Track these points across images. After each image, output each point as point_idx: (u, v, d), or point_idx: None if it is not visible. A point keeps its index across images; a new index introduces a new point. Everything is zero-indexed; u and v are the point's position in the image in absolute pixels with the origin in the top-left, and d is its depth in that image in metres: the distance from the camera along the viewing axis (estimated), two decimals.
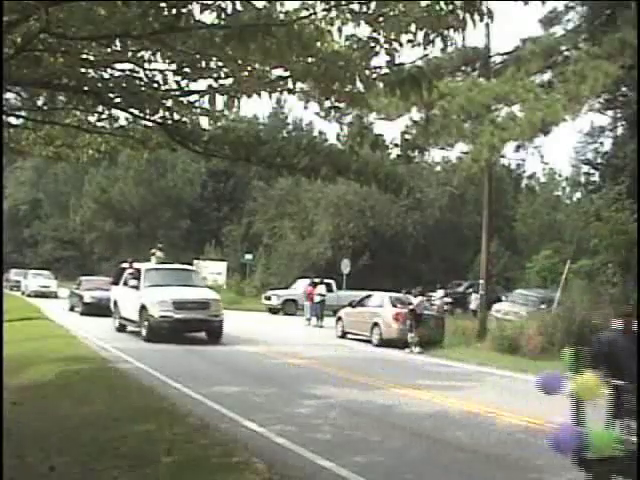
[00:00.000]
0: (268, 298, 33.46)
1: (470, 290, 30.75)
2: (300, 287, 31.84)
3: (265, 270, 42.30)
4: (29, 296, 37.07)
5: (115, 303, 20.86)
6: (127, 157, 12.56)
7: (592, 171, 23.06)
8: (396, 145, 7.73)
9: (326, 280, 30.72)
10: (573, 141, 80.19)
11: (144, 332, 17.83)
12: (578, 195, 44.25)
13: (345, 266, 32.96)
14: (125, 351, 15.19)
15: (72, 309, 28.24)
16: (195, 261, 45.29)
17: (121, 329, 20.09)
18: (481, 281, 21.97)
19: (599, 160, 21.69)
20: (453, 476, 6.67)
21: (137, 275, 19.42)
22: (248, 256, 43.10)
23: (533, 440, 8.07)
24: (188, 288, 18.70)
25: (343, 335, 21.84)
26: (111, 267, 52.68)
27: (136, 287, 18.71)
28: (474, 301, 29.25)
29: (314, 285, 28.50)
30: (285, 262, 41.51)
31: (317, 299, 27.56)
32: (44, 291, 38.81)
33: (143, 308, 17.94)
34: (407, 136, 7.93)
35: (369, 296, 22.04)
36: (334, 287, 32.12)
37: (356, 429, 8.42)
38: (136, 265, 20.76)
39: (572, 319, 16.76)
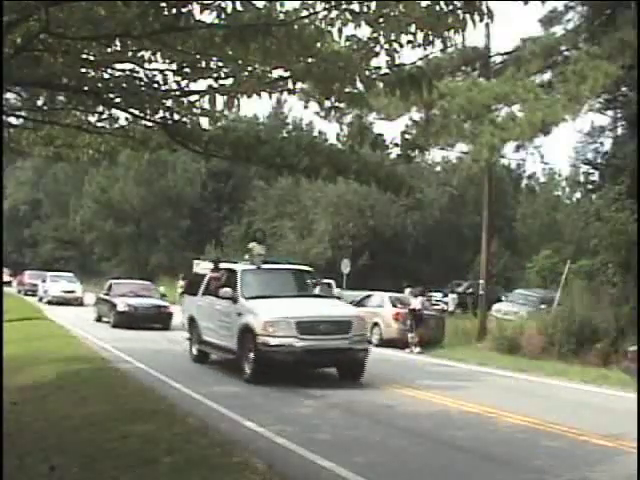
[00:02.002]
0: None
1: (470, 290, 30.75)
2: None
3: None
4: (49, 303, 31.49)
5: (192, 322, 14.37)
6: (127, 157, 12.31)
7: (592, 171, 23.02)
8: (396, 145, 7.72)
9: (326, 280, 30.68)
10: (573, 141, 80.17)
11: (248, 368, 11.62)
12: (578, 195, 44.17)
13: (345, 266, 32.95)
14: (125, 351, 15.18)
15: (100, 319, 23.64)
16: (195, 261, 45.34)
17: (201, 359, 13.97)
18: (481, 281, 21.97)
19: (599, 160, 21.66)
20: (453, 476, 6.67)
21: (229, 280, 13.07)
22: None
23: (533, 440, 8.07)
24: (312, 300, 12.62)
25: None
26: (111, 267, 53.12)
27: (231, 299, 12.32)
28: (451, 302, 29.13)
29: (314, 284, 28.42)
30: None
31: None
32: (68, 297, 32.52)
33: (246, 331, 11.73)
34: (407, 136, 7.91)
35: (369, 296, 22.05)
36: (334, 287, 32.09)
37: (356, 429, 8.42)
38: (226, 265, 14.13)
39: (572, 319, 16.76)
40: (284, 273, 13.73)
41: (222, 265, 14.21)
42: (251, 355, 11.51)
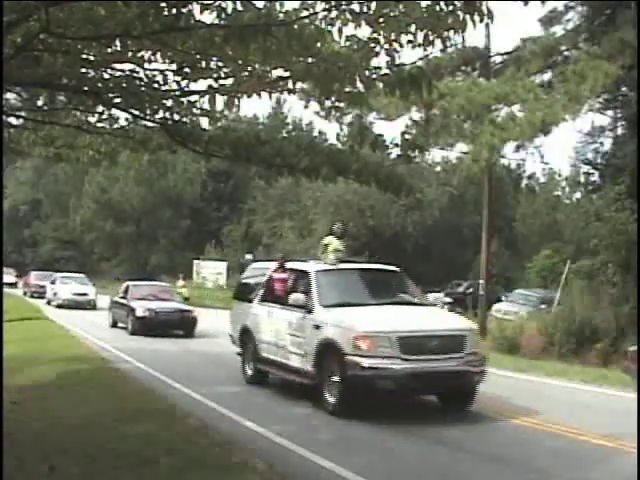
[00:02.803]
0: None
1: (470, 290, 30.77)
2: None
3: None
4: (60, 307, 29.50)
5: (245, 334, 11.68)
6: (127, 157, 12.08)
7: (592, 171, 23.04)
8: (396, 145, 7.74)
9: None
10: (573, 141, 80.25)
11: (331, 396, 9.06)
12: (578, 195, 44.27)
13: None
14: (125, 351, 15.18)
15: (115, 324, 21.59)
16: (195, 261, 45.41)
17: (258, 380, 11.34)
18: (481, 281, 21.97)
19: (599, 160, 21.67)
20: (452, 476, 6.66)
21: (298, 283, 10.56)
22: (248, 256, 43.02)
23: (533, 440, 8.07)
24: (410, 308, 10.03)
25: None
26: (111, 267, 53.20)
27: (305, 307, 9.82)
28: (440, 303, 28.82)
29: None
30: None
31: None
32: (80, 300, 30.09)
33: (328, 349, 9.18)
34: (407, 136, 7.93)
35: None
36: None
37: (356, 429, 8.41)
38: (293, 265, 11.27)
39: (572, 319, 16.76)
40: (368, 274, 11.03)
41: (289, 264, 11.35)
42: (335, 380, 8.94)
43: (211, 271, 43.81)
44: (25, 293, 38.66)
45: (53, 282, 32.57)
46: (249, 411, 9.02)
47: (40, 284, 36.16)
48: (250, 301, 11.79)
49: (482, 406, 9.68)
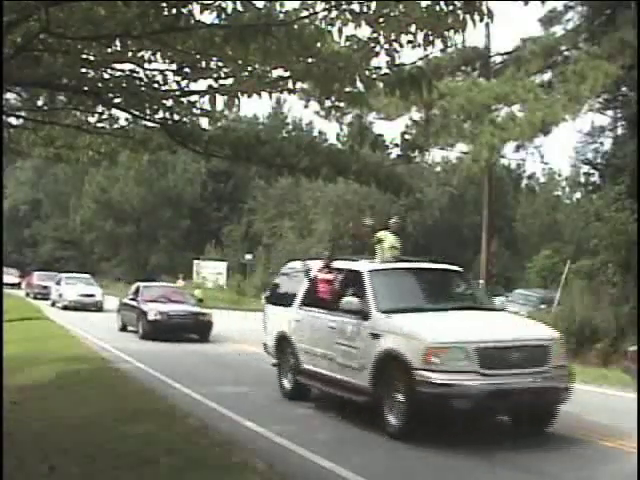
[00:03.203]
0: None
1: None
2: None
3: (265, 270, 42.33)
4: (65, 308, 28.70)
5: (283, 343, 10.32)
6: (127, 157, 11.92)
7: (592, 171, 23.03)
8: (396, 145, 7.75)
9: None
10: (573, 141, 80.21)
11: (395, 417, 7.77)
12: (578, 195, 44.19)
13: None
14: (125, 351, 15.18)
15: (125, 328, 20.49)
16: (195, 261, 45.42)
17: (298, 394, 10.00)
18: (481, 281, 21.97)
19: (599, 160, 21.67)
20: (452, 476, 6.66)
21: (348, 284, 9.20)
22: (248, 256, 43.12)
23: (533, 440, 8.06)
24: (482, 314, 8.78)
25: None
26: (111, 267, 53.22)
27: (360, 313, 8.47)
28: None
29: None
30: (285, 262, 41.52)
31: None
32: (86, 302, 29.19)
33: (391, 362, 7.88)
34: (407, 136, 7.93)
35: None
36: None
37: (356, 429, 8.41)
38: (341, 264, 9.87)
39: (572, 319, 16.75)
40: (428, 275, 9.70)
41: (336, 263, 9.93)
42: (399, 398, 7.68)
43: (211, 271, 43.83)
44: (28, 294, 37.92)
45: (58, 283, 31.69)
46: (249, 411, 9.02)
47: (43, 285, 35.36)
48: (288, 305, 10.35)
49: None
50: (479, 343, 7.47)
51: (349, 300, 8.68)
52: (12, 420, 6.91)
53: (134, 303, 19.93)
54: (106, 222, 51.49)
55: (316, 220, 41.46)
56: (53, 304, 30.49)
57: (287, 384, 10.26)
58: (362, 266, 9.27)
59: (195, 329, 18.92)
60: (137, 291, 20.67)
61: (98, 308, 29.09)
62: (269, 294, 12.11)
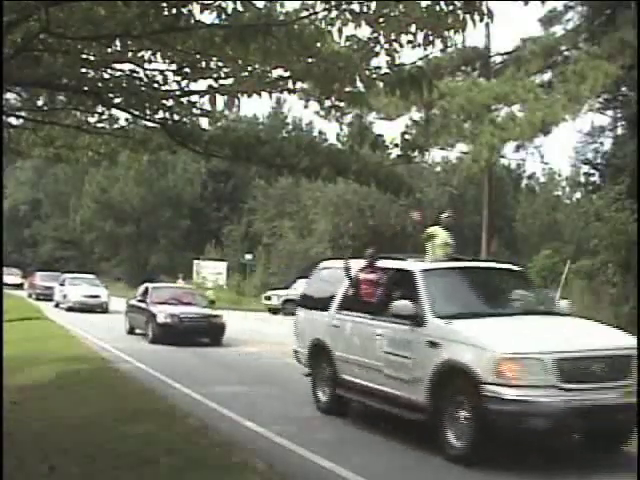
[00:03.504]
0: (268, 298, 33.50)
1: None
2: (300, 287, 31.85)
3: (265, 270, 42.36)
4: (70, 310, 27.96)
5: (319, 351, 9.33)
6: (127, 157, 11.74)
7: (592, 171, 23.08)
8: (396, 145, 7.73)
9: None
10: (573, 141, 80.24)
11: (459, 438, 6.90)
12: (578, 195, 44.21)
13: None
14: (125, 351, 15.19)
15: (132, 331, 19.77)
16: (195, 261, 45.43)
17: (337, 409, 9.02)
18: None
19: (599, 160, 21.71)
20: (452, 476, 6.66)
21: (396, 286, 8.31)
22: (248, 256, 43.12)
23: (533, 440, 8.06)
24: (553, 320, 7.98)
25: None
26: (111, 267, 53.21)
27: (413, 318, 7.58)
28: None
29: None
30: (285, 262, 41.54)
31: None
32: (91, 303, 28.48)
33: (454, 375, 7.03)
34: (407, 136, 7.90)
35: None
36: None
37: (356, 429, 8.42)
38: (387, 263, 8.89)
39: None
40: (486, 275, 8.90)
41: (381, 262, 8.91)
42: (464, 416, 6.78)
43: (211, 271, 43.83)
44: (30, 295, 37.12)
45: (62, 284, 30.84)
46: (249, 411, 9.02)
47: (46, 285, 34.60)
48: (323, 309, 9.41)
49: None
50: (558, 354, 6.56)
51: (402, 304, 7.64)
52: (12, 420, 6.91)
53: (143, 305, 19.07)
54: (106, 222, 51.48)
55: (316, 220, 41.42)
56: (57, 305, 29.95)
57: (323, 396, 9.26)
58: (413, 265, 8.28)
59: (207, 332, 18.04)
60: (146, 292, 19.77)
61: (104, 309, 28.45)
62: (302, 297, 10.96)
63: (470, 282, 8.43)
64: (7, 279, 40.76)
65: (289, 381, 11.29)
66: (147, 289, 19.99)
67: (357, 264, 9.20)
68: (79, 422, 7.76)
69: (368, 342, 8.32)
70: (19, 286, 42.64)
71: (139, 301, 19.58)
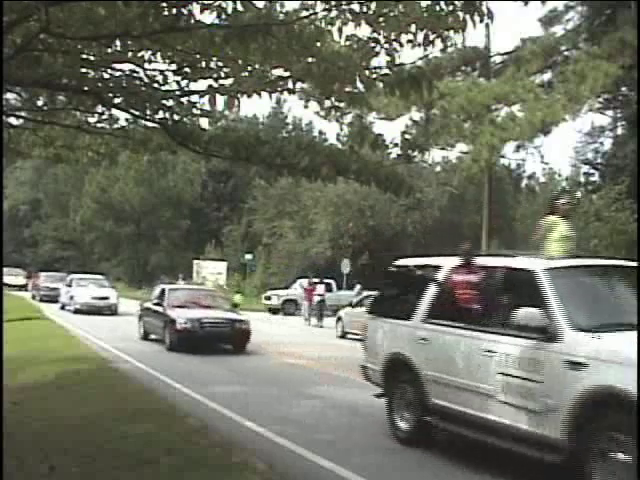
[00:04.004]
0: (268, 298, 33.54)
1: None
2: (300, 287, 31.89)
3: (265, 270, 42.38)
4: (77, 312, 26.84)
5: (396, 366, 7.89)
6: (127, 157, 11.51)
7: (592, 171, 23.13)
8: (396, 145, 7.73)
9: (326, 280, 30.76)
10: (573, 141, 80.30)
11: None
12: (578, 195, 44.25)
13: (345, 266, 33.00)
14: (125, 351, 15.19)
15: (147, 336, 18.25)
16: (195, 261, 45.45)
17: (421, 438, 7.48)
18: None
19: (599, 160, 21.74)
20: (452, 476, 6.66)
21: (504, 291, 6.96)
22: (248, 256, 43.15)
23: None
24: None
25: (343, 335, 21.87)
26: (111, 267, 53.16)
27: (543, 331, 5.90)
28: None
29: (312, 284, 28.52)
30: (285, 262, 41.57)
31: (317, 299, 27.60)
32: (100, 305, 27.24)
33: (609, 404, 5.33)
34: (407, 136, 7.90)
35: (369, 296, 22.05)
36: (334, 287, 32.15)
37: (356, 429, 8.42)
38: (489, 261, 7.34)
39: None
40: (627, 275, 6.91)
41: (482, 260, 7.34)
42: (622, 459, 5.21)
43: (211, 271, 43.86)
44: (34, 296, 35.69)
45: (69, 284, 29.43)
46: (249, 411, 9.02)
47: (51, 286, 33.47)
48: (405, 317, 7.82)
49: None
50: None
51: (529, 313, 6.02)
52: (12, 420, 6.91)
53: (159, 309, 17.38)
54: (106, 222, 51.52)
55: (316, 220, 41.44)
56: (62, 307, 28.92)
57: (403, 424, 7.68)
58: (533, 264, 6.60)
59: (231, 339, 16.36)
60: (162, 294, 18.04)
61: (112, 312, 27.26)
62: (374, 303, 9.28)
63: (606, 284, 6.82)
64: (10, 280, 40.68)
65: (289, 381, 11.30)
66: (164, 291, 18.31)
67: (444, 262, 7.76)
68: (79, 422, 7.76)
69: (473, 360, 6.73)
70: (23, 287, 42.28)
71: (155, 304, 17.91)
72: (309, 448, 7.17)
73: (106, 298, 27.72)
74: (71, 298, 28.05)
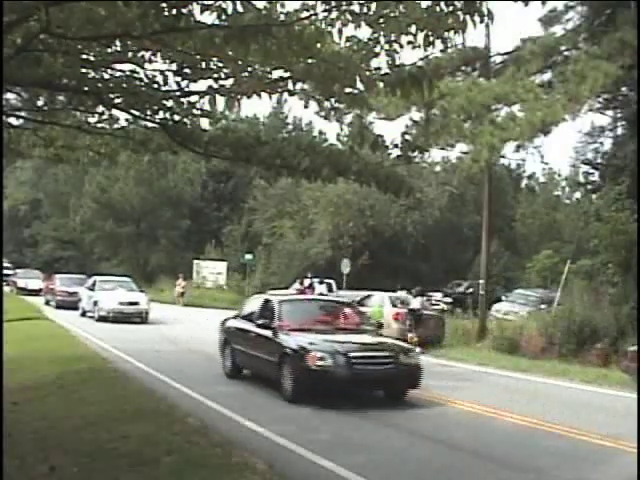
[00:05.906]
0: None
1: (471, 290, 30.78)
2: (295, 291, 31.83)
3: (265, 270, 42.33)
4: (101, 320, 23.01)
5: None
6: (127, 157, 11.11)
7: (592, 171, 23.09)
8: (396, 145, 7.74)
9: (326, 280, 30.72)
10: (573, 141, 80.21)
11: None
12: (578, 195, 44.28)
13: (345, 266, 32.97)
14: (125, 351, 15.17)
15: (240, 371, 12.01)
16: (195, 261, 45.42)
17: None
18: (481, 281, 21.97)
19: (599, 160, 21.71)
20: (452, 476, 6.67)
21: None
22: (248, 256, 43.09)
23: (533, 440, 8.08)
24: None
25: None
26: (111, 267, 53.05)
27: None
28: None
29: (306, 287, 28.40)
30: (285, 262, 41.52)
31: None
32: (129, 311, 23.33)
33: None
34: (407, 136, 7.92)
35: (369, 296, 22.03)
36: (334, 287, 32.13)
37: (356, 429, 8.42)
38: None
39: (572, 319, 16.76)
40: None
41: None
42: None
43: (211, 271, 43.84)
44: (48, 302, 30.16)
45: (91, 288, 25.37)
46: (249, 411, 9.03)
47: (69, 291, 28.44)
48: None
49: (481, 407, 9.68)
50: None
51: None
52: (12, 420, 6.91)
53: (267, 333, 10.87)
54: (106, 222, 51.45)
55: (316, 220, 41.40)
56: (83, 314, 25.00)
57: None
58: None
59: (396, 382, 10.32)
60: (266, 307, 11.61)
61: (143, 319, 23.48)
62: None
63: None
64: (25, 283, 39.10)
65: None
66: (270, 303, 11.66)
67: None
68: (79, 422, 7.77)
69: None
70: (37, 292, 35.31)
71: (258, 325, 11.18)
72: (309, 448, 7.17)
73: (136, 303, 23.81)
74: (95, 304, 24.01)
